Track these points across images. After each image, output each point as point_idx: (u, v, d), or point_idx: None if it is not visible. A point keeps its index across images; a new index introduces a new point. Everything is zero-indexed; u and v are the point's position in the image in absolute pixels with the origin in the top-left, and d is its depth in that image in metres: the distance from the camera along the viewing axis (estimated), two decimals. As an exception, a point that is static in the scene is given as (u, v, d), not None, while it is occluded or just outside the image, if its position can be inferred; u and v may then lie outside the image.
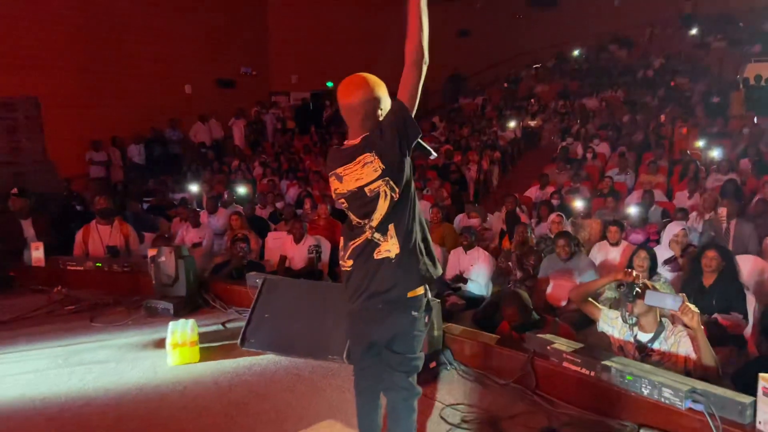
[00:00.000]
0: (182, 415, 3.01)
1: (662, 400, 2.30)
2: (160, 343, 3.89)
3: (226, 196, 9.38)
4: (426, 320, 2.23)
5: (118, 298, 5.11)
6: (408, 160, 2.14)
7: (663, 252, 5.70)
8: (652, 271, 4.85)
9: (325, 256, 6.83)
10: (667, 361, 3.08)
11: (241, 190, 10.28)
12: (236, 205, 8.83)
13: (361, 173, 2.12)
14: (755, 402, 2.10)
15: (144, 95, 13.36)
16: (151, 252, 4.92)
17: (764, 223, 6.61)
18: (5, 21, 11.10)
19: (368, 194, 2.13)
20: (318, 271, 6.59)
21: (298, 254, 6.65)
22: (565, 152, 11.56)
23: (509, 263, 5.77)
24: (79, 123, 11.90)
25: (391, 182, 2.10)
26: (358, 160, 2.12)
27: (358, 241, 2.18)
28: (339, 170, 2.19)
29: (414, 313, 2.16)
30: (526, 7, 21.41)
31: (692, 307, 2.83)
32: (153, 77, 13.57)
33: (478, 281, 5.78)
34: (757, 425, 2.08)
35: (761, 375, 2.07)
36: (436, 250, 6.18)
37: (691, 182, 8.76)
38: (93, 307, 4.88)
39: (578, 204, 7.04)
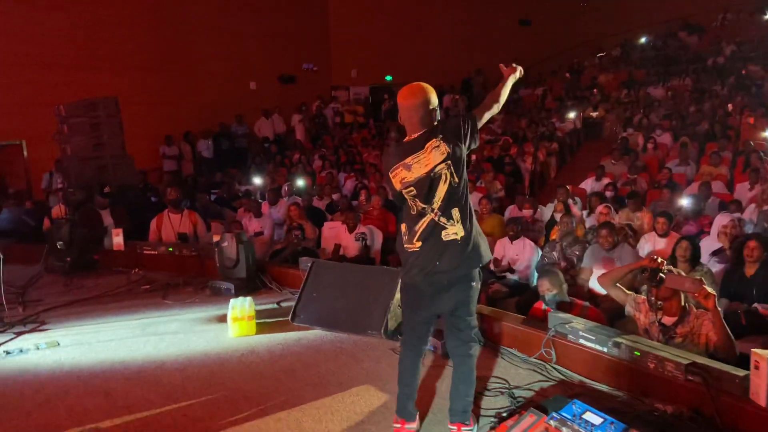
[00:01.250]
0: (239, 377, 3.42)
1: (665, 373, 2.48)
2: (223, 318, 4.34)
3: (286, 187, 9.89)
4: (479, 288, 2.63)
5: (187, 279, 5.66)
6: (464, 156, 2.52)
7: (713, 244, 5.71)
8: (694, 261, 4.90)
9: (377, 244, 7.16)
10: (689, 343, 3.23)
11: (301, 182, 10.76)
12: (295, 197, 9.30)
13: (429, 158, 2.48)
14: (749, 375, 2.25)
15: (212, 92, 14.13)
16: (216, 238, 5.40)
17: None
18: (87, 25, 12.03)
19: (434, 176, 2.48)
20: (371, 259, 6.94)
21: (351, 243, 7.01)
22: (625, 143, 11.41)
23: (554, 253, 5.92)
24: (153, 119, 12.75)
25: (452, 167, 2.47)
26: (426, 147, 2.48)
27: (424, 224, 2.53)
28: (408, 160, 2.53)
29: (473, 284, 2.57)
30: (590, -6, 20.98)
31: (710, 289, 2.97)
32: (220, 75, 14.31)
33: (523, 270, 5.96)
34: (750, 396, 2.24)
35: (753, 350, 2.22)
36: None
37: (753, 174, 8.54)
38: (165, 287, 5.44)
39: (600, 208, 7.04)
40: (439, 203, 2.48)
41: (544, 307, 3.87)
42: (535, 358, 3.25)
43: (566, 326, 3.06)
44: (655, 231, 6.04)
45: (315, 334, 3.99)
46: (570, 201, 7.92)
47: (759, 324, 4.39)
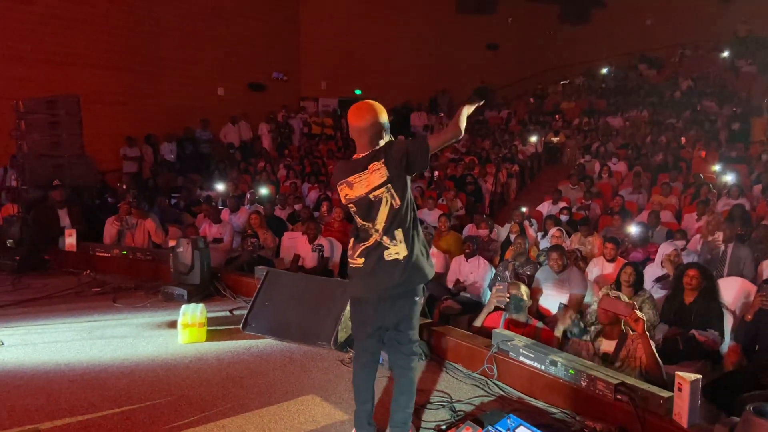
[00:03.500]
0: (185, 383, 3.42)
1: (597, 392, 2.60)
2: (173, 324, 4.32)
3: (249, 195, 9.86)
4: (422, 303, 2.72)
5: (139, 283, 5.61)
6: (409, 179, 2.59)
7: (656, 270, 5.95)
8: (638, 286, 5.10)
9: (336, 257, 7.21)
10: (627, 366, 3.38)
11: (264, 190, 10.73)
12: (257, 205, 9.29)
13: (370, 179, 2.55)
14: (672, 397, 2.39)
15: (178, 96, 14.00)
16: (172, 243, 5.38)
17: (765, 249, 6.76)
18: (52, 21, 11.80)
19: (373, 199, 2.55)
20: (329, 271, 6.98)
21: (310, 254, 7.05)
22: (582, 169, 11.77)
23: (506, 272, 6.08)
24: (115, 120, 12.56)
25: (392, 190, 2.53)
26: (369, 167, 2.55)
27: (369, 243, 2.60)
28: (351, 178, 2.61)
29: (416, 298, 2.65)
30: (557, 23, 21.63)
31: (640, 314, 3.13)
32: (188, 79, 14.21)
33: (476, 288, 6.09)
34: (674, 416, 2.37)
35: (677, 373, 2.36)
36: (440, 257, 6.53)
37: (701, 205, 8.92)
38: (116, 290, 5.38)
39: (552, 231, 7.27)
40: (382, 224, 2.54)
41: (506, 315, 3.96)
42: (478, 374, 3.36)
43: (508, 343, 3.17)
44: (603, 256, 6.26)
45: (265, 343, 4.01)
46: (526, 222, 8.14)
47: (695, 349, 4.61)
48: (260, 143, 15.16)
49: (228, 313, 4.72)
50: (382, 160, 2.52)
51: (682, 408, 2.30)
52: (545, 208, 9.95)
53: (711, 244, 6.41)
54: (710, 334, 4.69)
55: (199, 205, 9.77)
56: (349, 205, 2.66)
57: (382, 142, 2.59)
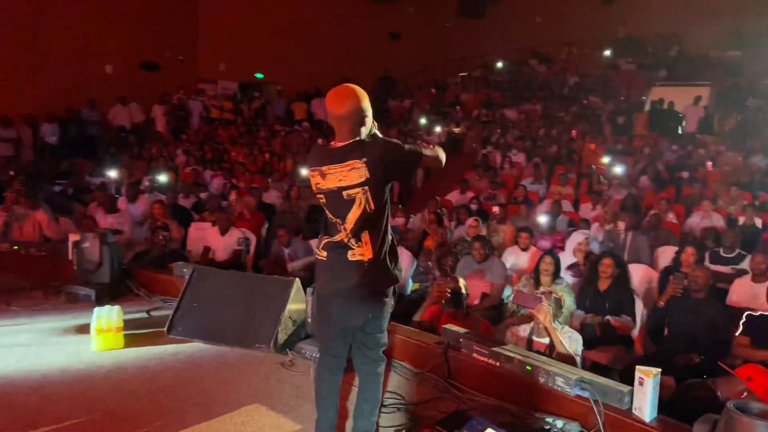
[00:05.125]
0: (107, 397, 3.08)
1: (555, 387, 2.63)
2: (83, 329, 3.90)
3: (147, 182, 9.19)
4: (392, 304, 2.58)
5: (35, 282, 5.00)
6: (389, 187, 2.42)
7: (567, 258, 6.22)
8: (556, 275, 5.31)
9: (251, 249, 6.92)
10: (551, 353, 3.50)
11: (163, 177, 10.07)
12: (157, 194, 8.68)
13: (346, 175, 2.34)
14: (632, 391, 2.46)
15: (61, 73, 12.75)
16: (74, 237, 4.85)
17: (657, 236, 7.30)
18: None
19: (345, 197, 2.35)
20: (242, 264, 6.68)
21: (222, 246, 6.69)
22: (486, 160, 12.13)
23: (429, 263, 6.10)
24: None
25: (369, 194, 2.34)
26: (347, 163, 2.33)
27: (335, 238, 2.42)
28: (325, 168, 2.38)
29: (385, 299, 2.51)
30: (456, 17, 22.13)
31: (545, 307, 3.25)
32: (71, 55, 12.97)
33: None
34: (634, 411, 2.45)
35: (638, 367, 2.44)
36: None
37: (594, 195, 9.51)
38: (10, 291, 4.75)
39: (494, 209, 7.48)
40: (351, 225, 2.37)
41: (444, 309, 3.92)
42: (428, 372, 3.30)
43: (460, 340, 3.15)
44: (517, 245, 6.47)
45: (194, 347, 3.70)
46: (438, 212, 8.26)
47: (611, 335, 4.88)
48: (154, 126, 14.21)
49: (145, 315, 4.32)
50: (364, 160, 2.31)
51: (642, 402, 2.37)
52: (454, 197, 10.16)
53: (613, 233, 6.81)
54: (624, 320, 4.99)
55: (89, 192, 8.97)
56: (318, 195, 2.46)
57: (364, 131, 2.38)
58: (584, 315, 5.14)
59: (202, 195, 9.04)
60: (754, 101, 14.71)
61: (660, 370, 2.38)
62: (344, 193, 2.35)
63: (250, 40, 16.68)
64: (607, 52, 20.37)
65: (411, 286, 6.19)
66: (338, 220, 2.41)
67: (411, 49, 20.80)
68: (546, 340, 3.56)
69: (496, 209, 7.39)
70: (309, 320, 3.34)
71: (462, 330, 3.23)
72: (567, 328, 3.50)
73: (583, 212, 9.16)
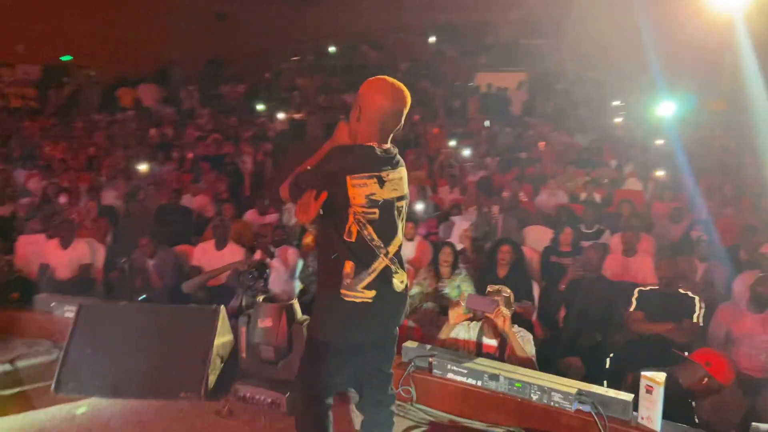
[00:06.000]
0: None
1: (551, 403, 2.46)
2: None
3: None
4: None
5: None
6: None
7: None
8: (455, 266, 5.24)
9: (98, 262, 5.96)
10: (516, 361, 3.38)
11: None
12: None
13: (399, 184, 2.03)
14: (635, 399, 2.37)
15: None
16: None
17: (518, 216, 7.62)
18: None
19: (397, 209, 2.03)
20: (91, 280, 5.73)
21: (66, 262, 5.67)
22: (338, 147, 11.86)
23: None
24: None
25: (406, 206, 2.10)
26: (400, 169, 2.05)
27: (378, 267, 2.01)
28: (384, 173, 1.98)
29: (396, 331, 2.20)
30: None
31: (504, 310, 3.13)
32: None
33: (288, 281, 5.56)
34: (639, 420, 2.35)
35: (644, 375, 2.34)
36: (235, 248, 5.79)
37: (451, 178, 9.78)
38: None
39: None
40: (397, 245, 2.06)
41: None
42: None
43: (429, 360, 2.83)
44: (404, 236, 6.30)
45: (94, 405, 2.88)
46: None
47: (517, 322, 4.91)
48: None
49: (8, 366, 3.32)
50: (405, 166, 2.09)
51: (652, 411, 2.28)
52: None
53: (488, 216, 6.97)
54: (525, 305, 5.07)
55: None
56: (370, 211, 1.97)
57: None
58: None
59: (24, 201, 7.55)
60: (562, 86, 16.33)
61: (665, 375, 2.30)
62: (397, 204, 2.03)
63: (53, 17, 14.40)
64: (432, 39, 21.19)
65: (298, 287, 5.73)
66: (380, 242, 1.99)
67: (240, 32, 19.66)
68: (495, 342, 3.41)
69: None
70: (243, 355, 2.79)
71: (427, 346, 2.93)
72: (517, 327, 3.38)
73: (441, 195, 9.34)
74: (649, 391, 2.28)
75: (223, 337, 2.79)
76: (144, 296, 5.18)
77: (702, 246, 5.50)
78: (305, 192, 2.03)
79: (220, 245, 5.59)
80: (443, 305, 4.88)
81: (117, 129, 12.16)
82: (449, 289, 5.06)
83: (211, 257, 5.60)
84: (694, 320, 4.22)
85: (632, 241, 5.76)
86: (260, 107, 15.53)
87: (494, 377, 2.62)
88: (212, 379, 2.84)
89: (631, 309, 4.49)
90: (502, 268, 5.20)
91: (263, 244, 5.35)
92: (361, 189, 1.97)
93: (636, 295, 4.53)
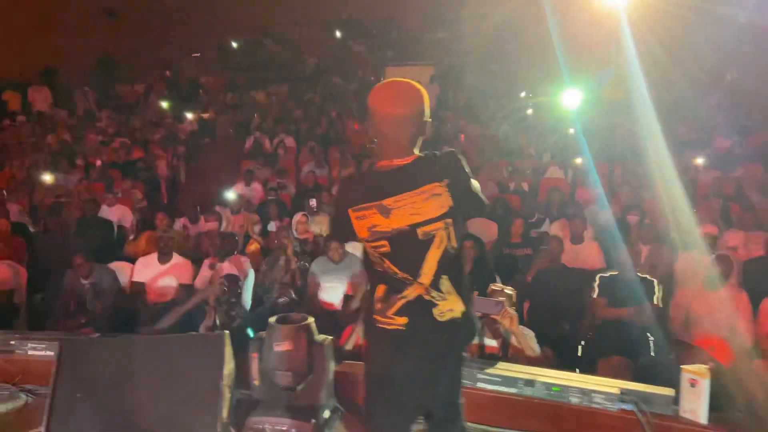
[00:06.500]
0: None
1: (592, 405, 2.41)
2: None
3: None
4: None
5: None
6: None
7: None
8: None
9: (21, 286, 5.33)
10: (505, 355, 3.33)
11: None
12: None
13: (422, 207, 1.71)
14: (677, 393, 2.36)
15: None
16: None
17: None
18: None
19: (420, 237, 1.72)
20: (15, 306, 5.14)
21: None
22: (260, 147, 11.44)
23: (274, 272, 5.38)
24: None
25: (452, 227, 1.77)
26: (423, 189, 1.71)
27: (409, 295, 1.77)
28: (388, 201, 1.70)
29: (464, 354, 1.99)
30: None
31: (511, 311, 3.09)
32: None
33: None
34: (682, 414, 2.35)
35: (686, 368, 2.34)
36: (180, 260, 5.35)
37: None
38: None
39: (312, 202, 6.99)
40: (431, 275, 1.76)
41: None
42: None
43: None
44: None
45: None
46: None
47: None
48: None
49: None
50: (446, 181, 1.73)
51: (696, 404, 2.29)
52: (241, 190, 9.30)
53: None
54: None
55: None
56: (378, 243, 1.76)
57: (419, 144, 1.79)
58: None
59: None
60: (469, 78, 16.70)
61: (706, 367, 2.32)
62: (420, 230, 1.74)
63: None
64: (338, 33, 20.98)
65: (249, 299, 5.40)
66: (406, 275, 1.76)
67: (133, 28, 18.38)
68: (496, 343, 3.36)
69: (313, 201, 6.91)
70: (255, 382, 2.51)
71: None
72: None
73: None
74: (693, 384, 2.29)
75: (229, 365, 2.51)
76: (84, 322, 4.69)
77: (646, 229, 5.76)
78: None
79: (165, 258, 5.14)
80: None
81: (8, 136, 10.94)
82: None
83: (154, 271, 5.17)
84: (655, 302, 4.40)
85: (580, 228, 5.95)
86: (164, 107, 14.62)
87: (530, 383, 2.53)
88: (225, 414, 2.54)
89: (595, 295, 4.62)
90: (467, 264, 5.17)
91: (223, 253, 4.99)
92: (362, 222, 1.78)
93: (597, 281, 4.66)
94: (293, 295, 4.98)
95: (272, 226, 7.00)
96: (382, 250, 1.77)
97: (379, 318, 1.82)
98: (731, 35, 12.84)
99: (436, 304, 1.79)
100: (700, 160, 8.73)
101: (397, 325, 1.79)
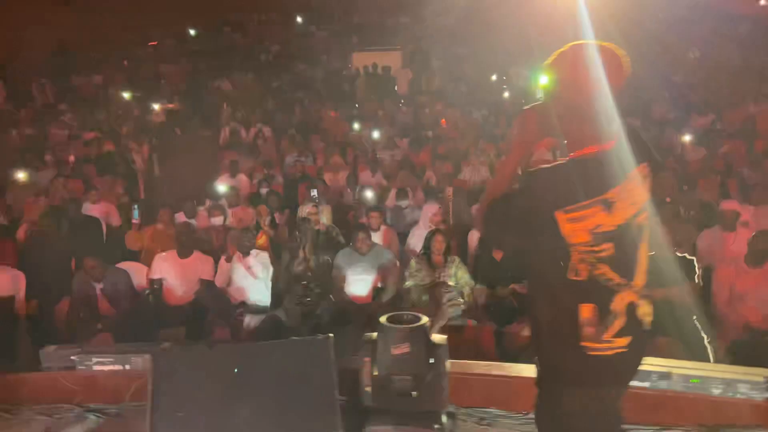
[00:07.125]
0: None
1: (737, 395, 2.30)
2: None
3: None
4: None
5: None
6: None
7: (423, 232, 5.96)
8: (448, 252, 5.01)
9: (21, 293, 4.92)
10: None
11: None
12: None
13: (637, 194, 1.50)
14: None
15: None
16: None
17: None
18: None
19: (637, 230, 1.51)
20: (13, 317, 4.75)
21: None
22: (238, 137, 11.02)
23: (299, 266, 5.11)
24: None
25: (652, 217, 1.55)
26: (635, 173, 1.49)
27: (620, 306, 1.51)
28: (610, 194, 1.44)
29: None
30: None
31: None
32: None
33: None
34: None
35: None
36: (201, 256, 5.07)
37: (370, 162, 9.49)
38: None
39: (312, 192, 6.70)
40: (643, 274, 1.55)
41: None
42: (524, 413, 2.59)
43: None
44: (370, 226, 5.94)
45: None
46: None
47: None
48: None
49: None
50: (649, 162, 1.54)
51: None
52: (227, 182, 8.90)
53: (447, 199, 6.80)
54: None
55: None
56: (600, 248, 1.49)
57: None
58: (489, 290, 4.98)
59: None
60: (437, 62, 16.53)
61: None
62: (637, 221, 1.52)
63: None
64: (299, 20, 20.43)
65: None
66: (622, 279, 1.52)
67: (86, 17, 17.34)
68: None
69: (314, 192, 6.64)
70: (368, 389, 2.30)
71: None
72: None
73: (364, 179, 8.97)
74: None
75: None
76: (99, 327, 4.35)
77: (666, 208, 5.75)
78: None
79: (186, 253, 4.84)
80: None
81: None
82: (452, 281, 4.81)
83: (176, 267, 4.85)
84: (696, 281, 4.37)
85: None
86: (127, 98, 13.87)
87: (665, 376, 2.40)
88: (340, 422, 2.31)
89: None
90: (497, 251, 5.03)
91: (246, 248, 4.72)
92: (579, 224, 1.49)
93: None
94: (317, 290, 4.73)
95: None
96: (603, 254, 1.50)
97: (591, 345, 1.52)
98: (691, 14, 13.08)
99: (641, 306, 1.56)
100: (687, 138, 8.84)
101: (618, 348, 1.53)
